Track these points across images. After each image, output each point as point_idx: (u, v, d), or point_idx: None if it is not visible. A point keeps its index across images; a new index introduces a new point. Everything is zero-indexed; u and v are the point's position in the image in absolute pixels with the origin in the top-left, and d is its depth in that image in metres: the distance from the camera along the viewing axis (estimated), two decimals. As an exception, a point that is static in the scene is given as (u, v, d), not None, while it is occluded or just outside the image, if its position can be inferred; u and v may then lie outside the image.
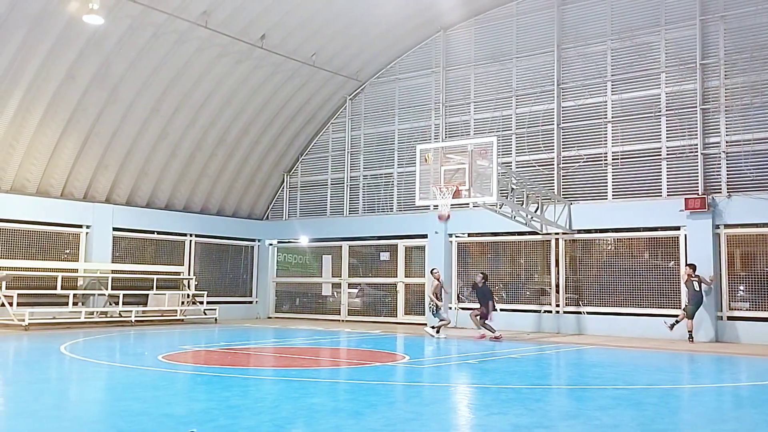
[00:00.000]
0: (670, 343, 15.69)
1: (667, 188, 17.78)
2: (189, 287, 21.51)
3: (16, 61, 16.72)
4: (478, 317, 16.85)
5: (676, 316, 16.40)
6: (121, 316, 19.35)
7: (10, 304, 17.07)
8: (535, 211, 17.89)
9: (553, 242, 19.01)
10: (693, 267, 16.24)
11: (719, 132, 17.30)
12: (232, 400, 8.35)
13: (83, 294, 19.30)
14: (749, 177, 16.80)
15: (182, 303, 20.84)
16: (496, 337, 16.26)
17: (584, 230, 18.63)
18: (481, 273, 17.68)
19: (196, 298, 21.43)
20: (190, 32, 18.41)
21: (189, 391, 9.33)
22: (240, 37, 19.11)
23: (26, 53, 16.75)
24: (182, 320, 20.44)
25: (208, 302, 21.41)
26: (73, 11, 16.30)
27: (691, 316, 16.03)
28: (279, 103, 22.29)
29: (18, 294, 17.26)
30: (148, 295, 20.34)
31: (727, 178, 17.03)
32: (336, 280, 23.02)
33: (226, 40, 19.02)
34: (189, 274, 22.06)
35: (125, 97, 19.11)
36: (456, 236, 20.61)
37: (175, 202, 22.29)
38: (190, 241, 22.53)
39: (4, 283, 17.27)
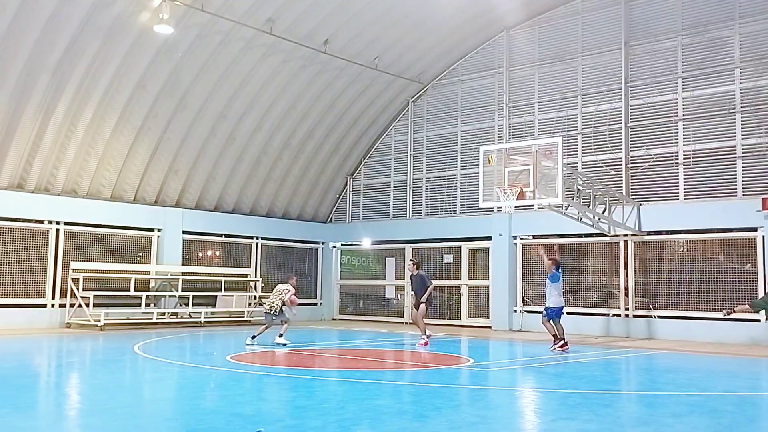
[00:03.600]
0: (747, 349, 15.08)
1: (743, 188, 17.10)
2: (255, 289, 21.90)
3: (91, 71, 17.37)
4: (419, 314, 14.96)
5: (756, 320, 15.76)
6: (191, 317, 19.86)
7: (87, 305, 17.75)
8: (603, 213, 17.48)
9: (621, 244, 18.53)
10: None
11: (799, 128, 16.55)
12: (298, 401, 8.45)
13: (155, 295, 19.90)
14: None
15: (249, 304, 21.23)
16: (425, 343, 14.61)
17: (654, 232, 18.09)
18: (412, 259, 16.47)
19: (262, 299, 21.77)
20: (256, 39, 18.77)
21: (256, 391, 9.49)
22: (304, 42, 19.37)
23: (100, 63, 17.39)
24: (249, 321, 20.82)
25: (274, 304, 21.72)
26: (145, 22, 16.84)
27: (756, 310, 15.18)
28: (342, 107, 22.49)
29: (94, 295, 17.92)
30: (216, 296, 20.81)
31: (808, 176, 16.27)
32: (399, 282, 23.04)
33: (291, 45, 19.31)
34: (255, 276, 22.47)
35: (194, 104, 19.62)
36: (521, 238, 20.34)
37: (242, 206, 22.76)
38: (257, 243, 22.95)
39: (81, 284, 17.95)
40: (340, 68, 20.96)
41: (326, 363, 12.83)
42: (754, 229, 16.61)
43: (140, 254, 20.44)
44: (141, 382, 10.36)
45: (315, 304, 24.47)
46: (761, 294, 16.00)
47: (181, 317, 19.83)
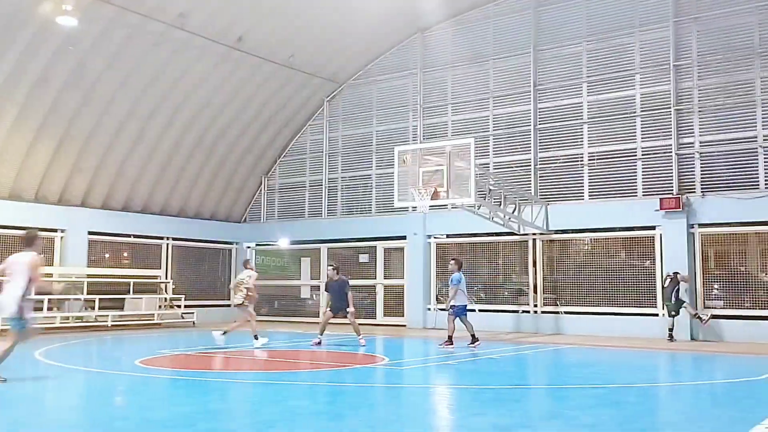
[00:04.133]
0: (649, 343, 15.86)
1: (643, 188, 17.98)
2: (166, 291, 21.30)
3: (-12, 63, 16.47)
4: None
5: (654, 315, 16.66)
6: (97, 321, 19.12)
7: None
8: (513, 212, 17.99)
9: (530, 243, 19.13)
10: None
11: (693, 132, 17.53)
12: (212, 404, 8.29)
13: (58, 299, 19.03)
14: (722, 177, 17.04)
15: (159, 307, 20.64)
16: (318, 342, 14.63)
17: (561, 231, 18.77)
18: (331, 264, 16.58)
19: (173, 302, 21.24)
20: (167, 34, 18.25)
21: (168, 395, 9.25)
22: (217, 39, 18.99)
23: (-2, 55, 16.51)
24: (160, 324, 20.24)
25: (186, 306, 21.24)
26: (47, 13, 16.08)
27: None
28: (257, 106, 22.19)
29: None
30: (124, 299, 20.13)
31: (701, 177, 17.26)
32: (315, 282, 22.95)
33: (204, 42, 18.89)
34: (166, 278, 21.85)
35: (100, 100, 18.89)
36: (435, 237, 20.66)
37: (152, 206, 22.08)
38: (167, 244, 22.33)
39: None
40: (254, 66, 20.67)
41: (240, 365, 12.63)
42: (653, 228, 17.49)
43: (42, 256, 19.46)
44: (44, 390, 9.88)
45: (229, 306, 23.99)
46: (659, 289, 16.91)
47: (87, 321, 19.06)
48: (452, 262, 15.11)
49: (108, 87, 18.73)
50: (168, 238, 22.32)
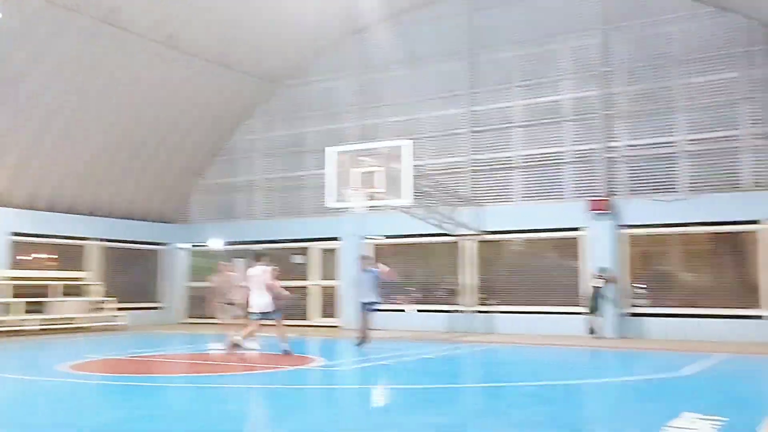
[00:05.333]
0: (576, 340, 16.34)
1: (571, 191, 18.50)
2: (94, 293, 20.67)
3: None
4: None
5: (581, 313, 17.18)
6: (21, 326, 18.39)
7: None
8: (447, 214, 18.23)
9: (464, 244, 19.43)
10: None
11: (619, 137, 18.14)
12: (143, 410, 8.12)
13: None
14: (647, 180, 17.70)
15: (88, 310, 20.01)
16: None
17: (494, 232, 19.13)
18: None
19: (102, 304, 20.63)
20: (95, 29, 17.72)
21: (97, 401, 9.00)
22: (147, 34, 18.57)
23: None
24: (89, 328, 19.64)
25: (118, 308, 20.66)
26: (-33, 4, 15.43)
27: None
28: (189, 104, 21.77)
29: None
30: (50, 302, 19.42)
31: (629, 180, 17.88)
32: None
33: (133, 37, 18.43)
34: (94, 280, 21.20)
35: (24, 96, 18.19)
36: (372, 238, 20.73)
37: (80, 206, 21.38)
38: (95, 245, 21.68)
39: None
40: (187, 63, 20.27)
41: (172, 369, 12.40)
42: (580, 229, 18.03)
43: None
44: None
45: (158, 308, 23.50)
46: (582, 286, 17.46)
47: (9, 325, 18.31)
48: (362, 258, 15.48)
49: (32, 82, 18.04)
50: (96, 239, 21.67)
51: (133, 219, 22.84)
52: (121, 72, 19.43)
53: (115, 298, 20.77)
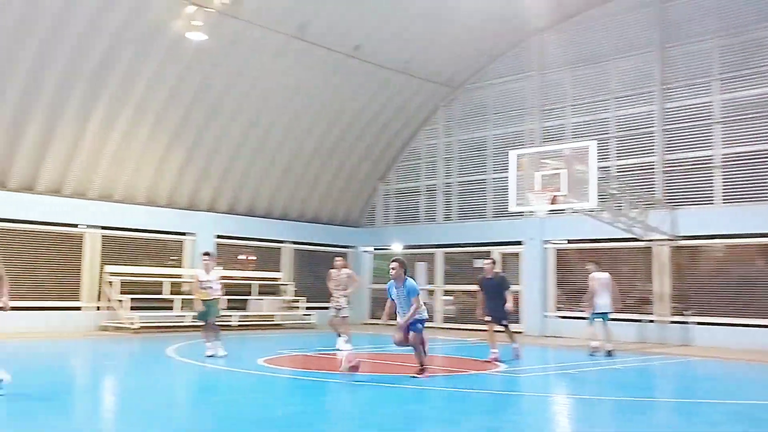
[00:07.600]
0: (787, 357, 14.69)
1: (785, 191, 16.70)
2: (287, 293, 21.97)
3: (127, 76, 17.65)
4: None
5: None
6: (222, 321, 19.95)
7: (122, 308, 17.98)
8: (636, 217, 17.20)
9: (657, 249, 18.21)
10: None
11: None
12: (328, 405, 8.43)
13: (188, 299, 20.05)
14: None
15: (280, 308, 21.32)
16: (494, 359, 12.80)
17: (690, 236, 17.74)
18: (487, 258, 13.94)
19: (293, 303, 21.88)
20: (287, 45, 18.88)
21: (287, 394, 9.50)
22: (335, 47, 19.44)
23: (136, 69, 17.65)
24: (281, 325, 20.90)
25: (306, 308, 21.80)
26: (178, 28, 17.04)
27: None
28: (373, 111, 22.52)
29: (130, 299, 18.15)
30: (247, 300, 20.93)
31: None
32: (430, 287, 22.94)
33: (322, 51, 19.39)
34: (287, 280, 22.55)
35: (226, 111, 19.82)
36: (553, 243, 20.11)
37: (274, 211, 22.90)
38: (288, 248, 23.06)
39: (116, 288, 18.17)
40: (371, 73, 20.98)
41: (359, 367, 12.74)
42: None
43: (173, 258, 20.66)
44: (171, 385, 10.43)
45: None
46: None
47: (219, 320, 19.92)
48: (395, 264, 11.06)
49: (232, 98, 19.61)
50: (288, 242, 23.05)
51: (320, 223, 24.00)
52: (310, 84, 20.50)
53: (304, 298, 21.95)
